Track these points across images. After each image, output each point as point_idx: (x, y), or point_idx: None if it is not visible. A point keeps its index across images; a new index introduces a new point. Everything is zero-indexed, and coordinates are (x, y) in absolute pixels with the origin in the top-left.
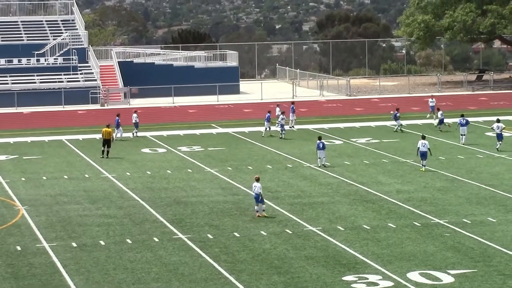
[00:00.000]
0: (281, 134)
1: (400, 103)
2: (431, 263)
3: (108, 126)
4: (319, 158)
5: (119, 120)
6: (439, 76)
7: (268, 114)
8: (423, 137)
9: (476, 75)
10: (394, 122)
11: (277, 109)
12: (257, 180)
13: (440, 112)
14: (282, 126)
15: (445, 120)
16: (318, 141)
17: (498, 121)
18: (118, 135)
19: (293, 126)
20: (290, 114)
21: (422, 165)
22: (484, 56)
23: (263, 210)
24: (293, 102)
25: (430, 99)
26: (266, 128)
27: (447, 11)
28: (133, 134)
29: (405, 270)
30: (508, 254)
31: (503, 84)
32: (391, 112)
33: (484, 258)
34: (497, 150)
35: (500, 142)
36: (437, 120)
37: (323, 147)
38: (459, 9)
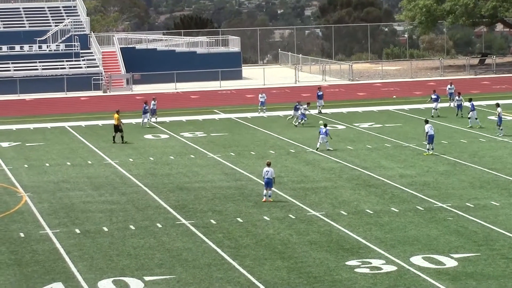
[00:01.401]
0: (300, 121)
1: (403, 87)
2: (434, 247)
3: (117, 112)
4: (320, 142)
5: (147, 107)
6: (442, 61)
7: (297, 103)
8: (427, 121)
9: (479, 59)
10: (431, 105)
11: (260, 95)
12: (269, 165)
13: (458, 98)
14: (303, 115)
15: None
16: (323, 128)
17: (498, 105)
18: (145, 120)
19: (320, 112)
20: (318, 100)
21: (427, 149)
22: (486, 40)
23: (269, 196)
24: (319, 88)
25: (448, 86)
26: (296, 117)
27: None
28: (154, 120)
29: (408, 254)
30: (511, 237)
31: (505, 68)
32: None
33: (487, 242)
34: (502, 134)
35: (500, 127)
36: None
37: (326, 133)
38: None
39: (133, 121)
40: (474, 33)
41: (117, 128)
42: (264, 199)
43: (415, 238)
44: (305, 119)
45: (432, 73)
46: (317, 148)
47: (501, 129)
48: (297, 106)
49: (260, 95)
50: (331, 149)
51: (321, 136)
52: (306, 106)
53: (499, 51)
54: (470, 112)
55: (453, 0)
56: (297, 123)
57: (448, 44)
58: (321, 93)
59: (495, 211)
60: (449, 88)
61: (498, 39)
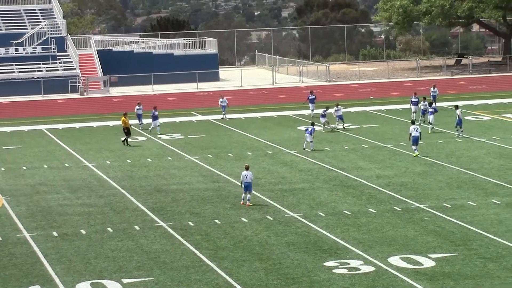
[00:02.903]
0: (343, 124)
1: (379, 88)
2: (412, 247)
3: (125, 115)
4: (306, 141)
5: (156, 113)
6: (418, 61)
7: (325, 109)
8: (413, 123)
9: (455, 60)
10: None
11: (220, 99)
12: (247, 168)
13: (423, 102)
14: (340, 117)
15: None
16: (310, 127)
17: (457, 107)
18: (157, 126)
19: (313, 116)
20: (310, 104)
21: (415, 150)
22: (463, 41)
23: (248, 200)
24: (311, 91)
25: (431, 88)
26: (324, 124)
27: None
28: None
29: (386, 254)
30: (488, 237)
31: (481, 68)
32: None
33: (464, 242)
34: (461, 135)
35: (461, 129)
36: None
37: (310, 133)
38: None
39: (111, 123)
40: (451, 33)
41: (128, 130)
42: (242, 202)
43: (393, 239)
44: (326, 124)
45: (409, 74)
46: (304, 148)
47: (462, 130)
48: (324, 113)
49: (220, 100)
50: (309, 150)
51: (306, 134)
52: (340, 107)
53: (475, 52)
54: (431, 116)
55: (429, 1)
56: (329, 127)
57: (424, 45)
58: (313, 96)
59: (472, 211)
60: (432, 91)
61: (474, 39)
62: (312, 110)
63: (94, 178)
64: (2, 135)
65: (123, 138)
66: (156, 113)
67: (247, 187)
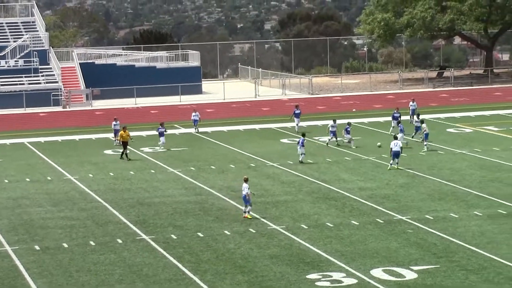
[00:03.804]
0: (336, 141)
1: (362, 100)
2: (394, 259)
3: (124, 129)
4: (302, 154)
5: (161, 129)
6: (400, 74)
7: (348, 126)
8: (395, 138)
9: (437, 72)
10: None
11: (193, 113)
12: (246, 181)
13: (417, 119)
14: (334, 133)
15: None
16: (301, 138)
17: (422, 122)
18: (162, 142)
19: (297, 131)
20: (295, 119)
21: (391, 164)
22: (445, 53)
23: (248, 212)
24: (297, 106)
25: (410, 102)
26: (348, 140)
27: (407, 9)
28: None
29: (369, 267)
30: (470, 249)
31: (463, 81)
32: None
33: (446, 254)
34: (428, 149)
35: (428, 142)
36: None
37: (302, 144)
38: (419, 6)
39: (93, 136)
40: (432, 46)
41: (126, 144)
42: (244, 216)
43: (375, 251)
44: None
45: (391, 86)
46: (301, 161)
47: (425, 144)
48: (348, 129)
49: (193, 114)
50: (301, 161)
51: (297, 146)
52: (336, 124)
53: (457, 64)
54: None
55: (411, 13)
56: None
57: (406, 57)
58: (299, 111)
59: (454, 223)
60: (411, 105)
61: (456, 52)
62: (297, 125)
63: (77, 191)
64: None
65: (121, 151)
66: (162, 129)
67: (245, 199)
